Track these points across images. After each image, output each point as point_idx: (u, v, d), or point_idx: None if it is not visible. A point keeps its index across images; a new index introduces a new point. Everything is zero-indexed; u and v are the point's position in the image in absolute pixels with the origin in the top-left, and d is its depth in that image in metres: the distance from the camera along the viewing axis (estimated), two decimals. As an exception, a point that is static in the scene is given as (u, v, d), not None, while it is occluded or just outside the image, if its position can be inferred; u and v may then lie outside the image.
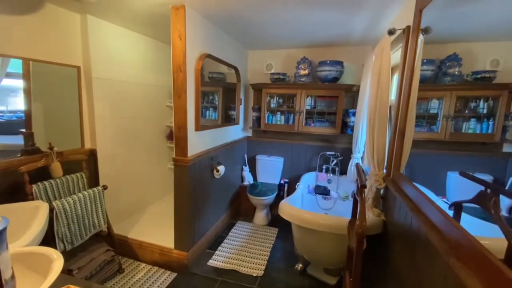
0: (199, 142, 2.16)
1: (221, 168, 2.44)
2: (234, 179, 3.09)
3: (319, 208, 2.69)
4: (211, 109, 3.16)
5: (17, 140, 1.85)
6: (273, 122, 3.02)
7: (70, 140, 2.10)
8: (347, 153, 2.84)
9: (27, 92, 1.81)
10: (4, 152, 1.74)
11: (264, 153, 3.29)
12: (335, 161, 2.85)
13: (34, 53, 1.77)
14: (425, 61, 1.36)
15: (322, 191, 2.53)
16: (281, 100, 3.04)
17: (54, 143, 1.94)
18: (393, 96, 1.77)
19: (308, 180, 2.84)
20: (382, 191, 1.72)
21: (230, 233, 2.72)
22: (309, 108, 2.87)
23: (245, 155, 3.33)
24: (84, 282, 0.92)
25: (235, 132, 3.02)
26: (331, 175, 2.85)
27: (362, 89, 2.42)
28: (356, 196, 1.20)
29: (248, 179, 3.25)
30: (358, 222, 0.98)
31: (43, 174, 1.76)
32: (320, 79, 2.80)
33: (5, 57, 1.64)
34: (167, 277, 2.04)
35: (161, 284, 1.96)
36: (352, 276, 1.00)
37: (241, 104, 3.07)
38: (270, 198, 2.85)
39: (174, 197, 2.07)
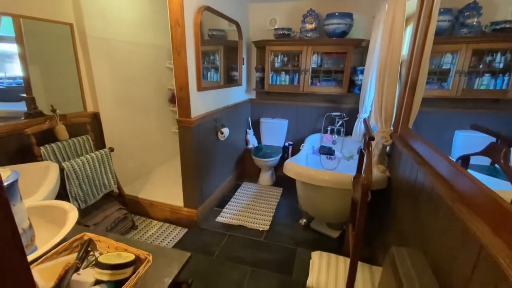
0: (202, 103, 2.12)
1: (226, 131, 2.43)
2: (238, 143, 3.10)
3: (323, 168, 2.73)
4: (212, 70, 3.05)
5: (20, 107, 1.82)
6: (278, 83, 2.92)
7: (72, 103, 2.07)
8: (353, 114, 2.78)
9: (23, 56, 1.74)
10: (8, 119, 1.73)
11: (268, 115, 3.24)
12: (340, 122, 2.81)
13: (22, 9, 1.65)
14: (442, 10, 1.25)
15: (327, 151, 2.54)
16: (285, 59, 2.90)
17: (57, 107, 1.92)
18: (405, 51, 1.67)
19: (312, 141, 2.84)
20: (388, 148, 1.71)
21: (236, 193, 2.81)
22: (315, 66, 2.75)
23: (249, 118, 3.29)
24: (100, 231, 0.97)
25: (238, 94, 2.95)
26: (336, 136, 2.83)
27: (372, 43, 2.28)
28: (363, 150, 1.19)
29: (253, 142, 3.26)
30: (364, 174, 0.98)
31: (49, 137, 1.78)
32: (327, 33, 2.62)
33: (-8, 12, 1.54)
34: (178, 232, 2.16)
35: (173, 238, 2.09)
36: (356, 228, 1.03)
37: (243, 64, 2.94)
38: (274, 160, 2.88)
39: (181, 158, 2.10)
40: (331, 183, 1.66)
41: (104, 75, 2.18)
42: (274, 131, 3.16)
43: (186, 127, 1.97)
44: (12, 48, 1.72)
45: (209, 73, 3.04)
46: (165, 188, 2.49)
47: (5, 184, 0.70)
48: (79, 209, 1.76)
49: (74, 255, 0.76)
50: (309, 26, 2.63)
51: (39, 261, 0.69)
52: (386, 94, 1.64)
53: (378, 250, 1.61)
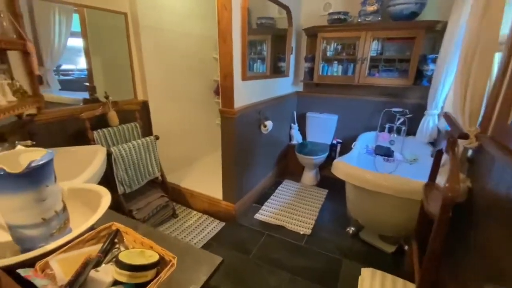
0: (246, 94, 2.01)
1: (269, 124, 2.29)
2: (282, 137, 2.93)
3: (377, 171, 2.39)
4: (259, 61, 2.92)
5: (85, 96, 1.95)
6: (329, 74, 2.66)
7: (124, 91, 2.16)
8: (419, 110, 2.37)
9: (86, 48, 1.87)
10: (74, 106, 1.85)
11: (316, 110, 3.00)
12: (401, 119, 2.43)
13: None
14: None
15: (385, 152, 2.21)
16: (339, 47, 2.61)
17: (111, 94, 2.01)
18: (505, 29, 1.29)
19: (366, 140, 2.52)
20: (470, 152, 1.36)
21: (277, 190, 2.67)
22: (375, 54, 2.41)
23: (294, 112, 3.09)
24: (131, 222, 0.92)
25: (284, 86, 2.77)
26: (395, 135, 2.46)
27: (451, 25, 1.87)
28: (445, 152, 0.92)
29: (297, 138, 3.06)
30: (447, 184, 0.74)
31: (102, 122, 1.86)
32: (392, 16, 2.26)
33: (56, 2, 1.65)
34: (216, 225, 2.12)
35: (211, 230, 2.04)
36: (429, 249, 0.80)
37: (292, 53, 2.75)
38: (320, 158, 2.64)
39: (222, 149, 2.03)
40: (393, 190, 1.39)
41: (153, 64, 2.22)
42: (322, 127, 2.91)
43: (229, 118, 1.89)
44: (81, 42, 1.86)
45: (255, 64, 2.93)
46: (206, 180, 2.47)
47: (38, 163, 0.67)
48: (124, 194, 1.82)
49: (99, 246, 0.70)
50: (370, 8, 2.30)
51: (63, 249, 0.65)
52: (473, 85, 1.29)
53: (448, 278, 1.30)
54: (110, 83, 2.06)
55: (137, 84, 2.20)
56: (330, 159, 2.86)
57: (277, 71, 2.78)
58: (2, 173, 0.63)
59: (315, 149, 2.71)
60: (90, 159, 1.37)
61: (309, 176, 2.81)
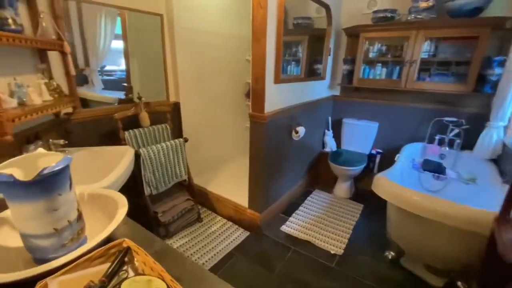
0: (278, 98, 1.89)
1: (301, 130, 2.14)
2: (314, 144, 2.75)
3: (423, 189, 2.11)
4: (293, 63, 2.78)
5: (123, 95, 2.01)
6: (371, 77, 2.42)
7: (157, 92, 2.18)
8: (478, 121, 2.04)
9: (125, 50, 1.92)
10: (109, 106, 1.90)
11: (354, 116, 2.76)
12: (455, 131, 2.11)
13: (123, 1, 1.76)
14: None
15: (434, 168, 1.93)
16: (384, 48, 2.37)
17: (146, 96, 2.03)
18: None
19: (411, 152, 2.23)
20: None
21: (306, 201, 2.50)
22: (426, 56, 2.13)
23: (329, 118, 2.89)
24: (146, 235, 0.85)
25: (320, 89, 2.59)
26: (447, 148, 2.14)
27: (529, 20, 1.56)
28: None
29: (331, 146, 2.85)
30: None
31: (134, 123, 1.88)
32: (450, 12, 1.97)
33: (97, 4, 1.69)
34: (240, 234, 2.02)
35: (234, 239, 1.96)
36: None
37: (329, 55, 2.56)
38: (356, 169, 2.41)
39: (250, 155, 1.94)
40: (448, 218, 1.16)
41: (186, 66, 2.21)
42: (360, 134, 2.67)
43: (258, 123, 1.78)
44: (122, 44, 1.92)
45: (289, 67, 2.79)
46: (233, 184, 2.39)
47: (50, 171, 0.62)
48: (151, 195, 1.81)
49: (107, 265, 0.63)
50: (423, 4, 2.04)
51: (68, 267, 0.59)
52: None
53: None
54: (145, 84, 2.10)
55: (170, 85, 2.20)
56: (367, 170, 2.62)
57: (312, 74, 2.62)
58: (12, 180, 0.59)
59: (351, 159, 2.49)
60: (118, 160, 1.36)
61: (343, 188, 2.59)
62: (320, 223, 2.16)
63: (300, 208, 2.37)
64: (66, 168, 0.69)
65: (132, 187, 1.82)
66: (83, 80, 1.74)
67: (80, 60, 1.71)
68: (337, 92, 2.87)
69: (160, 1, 1.98)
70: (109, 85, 1.87)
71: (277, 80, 1.79)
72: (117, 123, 1.74)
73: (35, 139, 1.21)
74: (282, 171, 2.19)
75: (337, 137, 2.88)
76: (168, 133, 2.05)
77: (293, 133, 2.13)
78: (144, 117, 1.90)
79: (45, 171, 0.62)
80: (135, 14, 1.85)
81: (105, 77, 1.85)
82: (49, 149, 1.29)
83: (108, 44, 1.84)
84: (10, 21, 1.01)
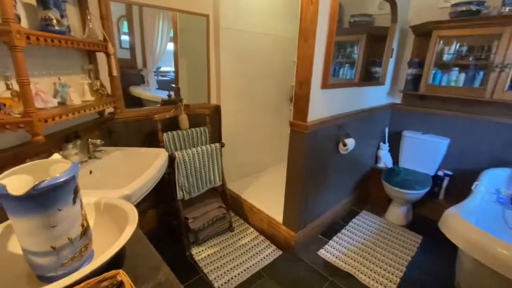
0: (324, 105, 1.66)
1: (350, 142, 1.86)
2: (365, 158, 2.41)
3: (510, 229, 1.62)
4: (346, 65, 2.49)
5: (170, 95, 2.01)
6: (443, 83, 2.01)
7: (200, 94, 2.16)
8: None
9: (175, 52, 1.93)
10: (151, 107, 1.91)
11: (417, 128, 2.34)
12: None
13: (169, 2, 1.76)
14: None
15: (533, 206, 1.46)
16: (464, 48, 1.93)
17: (190, 98, 2.04)
18: None
19: (495, 180, 1.76)
20: None
21: (350, 223, 2.19)
22: (528, 58, 1.65)
23: (386, 129, 2.51)
24: (155, 258, 0.75)
25: (377, 96, 2.26)
26: (551, 179, 1.62)
27: None
28: None
29: (386, 161, 2.47)
30: None
31: (174, 125, 1.87)
32: None
33: (147, 6, 1.71)
34: (272, 252, 1.85)
35: (265, 257, 1.79)
36: None
37: (391, 56, 2.21)
38: (416, 193, 2.01)
39: (287, 167, 1.75)
40: None
41: (230, 67, 2.14)
42: (424, 151, 2.24)
43: (299, 132, 1.58)
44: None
45: (342, 70, 2.51)
46: (269, 195, 2.23)
47: (47, 184, 0.55)
48: (183, 199, 1.77)
49: (95, 303, 0.53)
50: (528, -9, 1.57)
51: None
52: None
53: None
54: (190, 86, 2.09)
55: (212, 87, 2.16)
56: (431, 194, 2.18)
57: (369, 78, 2.30)
58: (4, 192, 0.53)
59: (410, 180, 2.10)
60: (149, 163, 1.33)
61: (398, 213, 2.20)
62: (366, 252, 1.85)
63: (343, 231, 2.08)
64: (70, 181, 0.62)
65: (168, 188, 1.82)
66: (140, 80, 1.83)
67: (139, 61, 1.79)
68: (397, 99, 2.47)
69: (207, 1, 1.93)
70: (163, 85, 1.93)
71: (325, 85, 1.56)
72: (157, 124, 1.74)
73: (74, 138, 1.24)
74: (324, 186, 1.95)
75: (394, 152, 2.49)
76: (206, 136, 1.99)
77: (341, 145, 1.87)
78: (184, 119, 1.87)
79: (42, 185, 0.55)
80: (183, 15, 1.85)
81: (160, 78, 1.91)
82: (87, 148, 1.32)
83: (164, 46, 1.90)
84: (54, 21, 1.03)
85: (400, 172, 2.25)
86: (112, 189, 1.26)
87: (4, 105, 0.89)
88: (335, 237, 2.00)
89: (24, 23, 1.01)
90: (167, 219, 2.03)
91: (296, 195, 1.74)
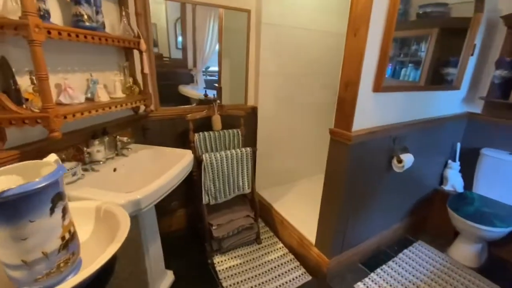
0: (376, 111, 1.38)
1: (407, 159, 1.52)
2: (426, 177, 1.99)
3: None
4: (410, 65, 2.09)
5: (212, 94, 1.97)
6: (550, 90, 1.50)
7: (240, 95, 2.06)
8: None
9: (219, 51, 1.88)
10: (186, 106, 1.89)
11: (502, 146, 1.83)
12: None
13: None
14: None
15: None
16: None
17: (230, 98, 1.98)
18: None
19: None
20: None
21: (401, 254, 1.82)
22: None
23: (458, 144, 2.04)
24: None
25: (448, 103, 1.84)
26: None
27: None
28: None
29: (454, 183, 2.00)
30: None
31: (207, 125, 1.80)
32: None
33: (188, 3, 1.67)
34: (300, 275, 1.63)
35: (291, 280, 1.59)
36: None
37: (472, 54, 1.76)
38: (496, 231, 1.55)
39: (324, 182, 1.52)
40: None
41: (270, 66, 1.98)
42: (510, 177, 1.74)
43: (340, 143, 1.34)
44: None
45: (403, 70, 2.12)
46: (303, 209, 2.01)
47: (13, 193, 0.48)
48: (208, 204, 1.68)
49: None
50: None
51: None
52: None
53: None
54: (232, 86, 2.01)
55: (250, 87, 2.03)
56: (518, 235, 1.67)
57: (438, 81, 1.88)
58: (-37, 199, 0.47)
59: (488, 213, 1.64)
60: (171, 164, 1.26)
61: (466, 251, 1.75)
62: (419, 296, 1.49)
63: (390, 263, 1.74)
64: (47, 188, 0.54)
65: (196, 188, 1.77)
66: (190, 79, 1.86)
67: (189, 61, 1.82)
68: (476, 108, 1.98)
69: (250, -4, 1.81)
70: (210, 84, 1.94)
71: (378, 88, 1.28)
72: (189, 124, 1.69)
73: (102, 135, 1.24)
74: (369, 207, 1.64)
75: (467, 173, 2.00)
76: (239, 139, 1.88)
77: (395, 161, 1.54)
78: (216, 120, 1.78)
79: (8, 193, 0.48)
80: (228, 14, 1.78)
81: (208, 77, 1.92)
82: (115, 145, 1.31)
83: (214, 46, 1.90)
84: (85, 17, 1.02)
85: (473, 200, 1.78)
86: (130, 189, 1.22)
87: (27, 99, 0.89)
88: (378, 270, 1.67)
89: (57, 19, 1.02)
90: (195, 220, 1.99)
91: (333, 216, 1.49)
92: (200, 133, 1.74)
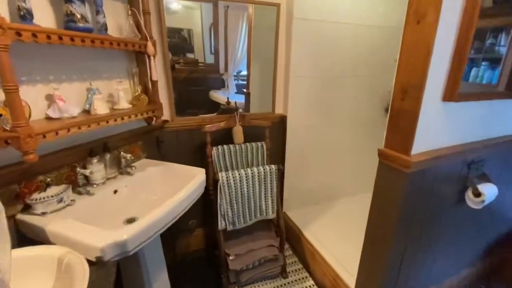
0: (446, 127, 1.01)
1: (489, 191, 1.11)
2: (510, 209, 1.51)
3: None
4: (483, 64, 1.63)
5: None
6: None
7: (267, 102, 1.81)
8: None
9: (248, 53, 1.71)
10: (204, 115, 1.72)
11: None
12: None
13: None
14: None
15: None
16: None
17: (260, 104, 1.78)
18: None
19: None
20: None
21: (473, 312, 1.38)
22: None
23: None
24: None
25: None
26: None
27: None
28: None
29: (551, 219, 1.48)
30: None
31: (229, 137, 1.58)
32: None
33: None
34: (333, 327, 1.31)
35: (322, 332, 1.28)
36: None
37: None
38: None
39: (369, 216, 1.18)
40: None
41: (302, 68, 1.70)
42: None
43: (394, 169, 1.00)
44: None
45: (473, 69, 1.67)
46: (340, 238, 1.67)
47: None
48: (225, 230, 1.45)
49: None
50: None
51: None
52: None
53: None
54: (262, 91, 1.79)
55: (278, 92, 1.77)
56: None
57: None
58: None
59: None
60: (181, 186, 1.06)
61: None
62: None
63: (458, 325, 1.31)
64: None
65: (206, 214, 1.56)
66: (221, 84, 1.77)
67: (221, 65, 1.73)
68: None
69: (280, -12, 1.56)
70: (241, 89, 1.82)
71: (451, 95, 0.92)
72: (206, 136, 1.49)
73: (103, 151, 1.09)
74: (430, 248, 1.25)
75: None
76: (263, 153, 1.63)
77: (469, 194, 1.14)
78: (238, 132, 1.56)
79: None
80: (258, 11, 1.59)
81: (240, 82, 1.81)
82: (119, 161, 1.15)
83: (245, 50, 1.74)
84: (77, 17, 0.87)
85: None
86: (129, 215, 1.05)
87: (0, 115, 0.75)
88: (442, 335, 1.26)
89: (49, 20, 0.88)
90: (212, 244, 1.78)
91: (380, 259, 1.15)
92: (219, 146, 1.53)
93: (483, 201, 1.11)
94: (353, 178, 2.20)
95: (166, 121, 1.50)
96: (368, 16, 1.77)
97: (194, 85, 1.63)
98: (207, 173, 1.26)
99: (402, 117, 0.96)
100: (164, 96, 1.46)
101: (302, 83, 1.73)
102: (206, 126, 1.47)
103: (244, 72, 1.79)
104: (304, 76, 1.72)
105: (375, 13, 1.78)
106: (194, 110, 1.62)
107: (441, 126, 0.99)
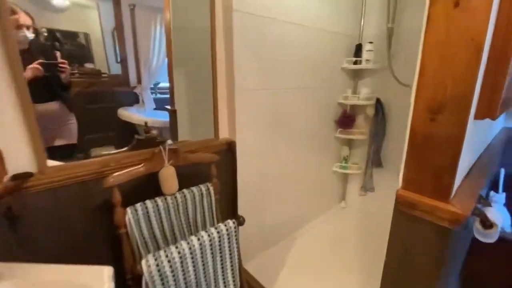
0: (467, 156, 0.76)
1: (497, 217, 0.93)
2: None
3: None
4: None
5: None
6: None
7: (203, 123, 1.32)
8: None
9: (169, 61, 1.27)
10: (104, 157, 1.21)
11: None
12: None
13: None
14: None
15: None
16: None
17: (192, 126, 1.32)
18: None
19: None
20: None
21: None
22: None
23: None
24: None
25: None
26: None
27: None
28: None
29: None
30: None
31: (153, 186, 0.99)
32: None
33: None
34: None
35: None
36: None
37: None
38: None
39: (384, 273, 0.83)
40: None
41: (250, 77, 1.29)
42: None
43: (429, 224, 0.67)
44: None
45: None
46: (317, 274, 1.31)
47: None
48: None
49: None
50: None
51: None
52: None
53: None
54: (195, 108, 1.35)
55: (221, 111, 1.29)
56: None
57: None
58: None
59: None
60: None
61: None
62: None
63: None
64: None
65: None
66: (134, 99, 1.36)
67: (131, 76, 1.34)
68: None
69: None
70: (162, 104, 1.45)
71: (490, 111, 0.66)
72: (112, 193, 0.87)
73: None
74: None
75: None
76: (210, 201, 1.11)
77: (477, 226, 0.93)
78: (168, 176, 1.00)
79: None
80: (178, 11, 1.19)
81: (159, 96, 1.45)
82: None
83: (163, 57, 1.37)
84: None
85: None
86: None
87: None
88: None
89: None
90: None
91: None
92: (138, 206, 0.93)
93: (496, 233, 0.91)
94: (314, 199, 1.92)
95: (27, 176, 0.81)
96: (322, 17, 1.52)
97: (94, 102, 1.24)
98: (120, 263, 0.68)
99: (433, 146, 0.64)
100: (18, 132, 0.78)
101: (250, 97, 1.31)
102: (110, 176, 0.86)
103: (164, 84, 1.38)
104: (253, 88, 1.31)
105: (324, 14, 1.55)
106: (95, 135, 1.15)
107: (470, 153, 0.73)
